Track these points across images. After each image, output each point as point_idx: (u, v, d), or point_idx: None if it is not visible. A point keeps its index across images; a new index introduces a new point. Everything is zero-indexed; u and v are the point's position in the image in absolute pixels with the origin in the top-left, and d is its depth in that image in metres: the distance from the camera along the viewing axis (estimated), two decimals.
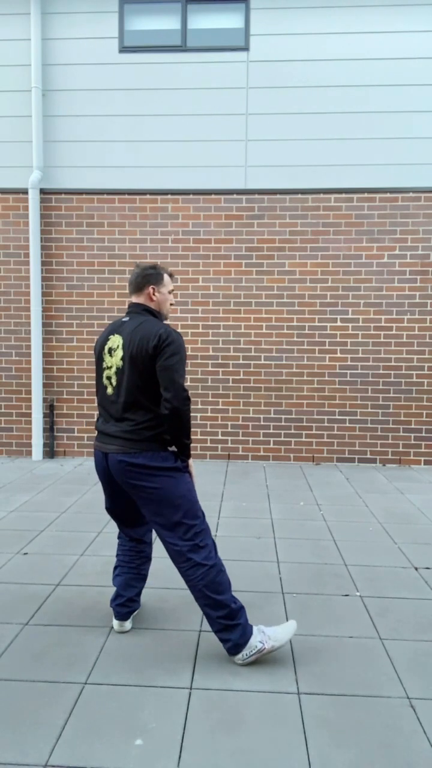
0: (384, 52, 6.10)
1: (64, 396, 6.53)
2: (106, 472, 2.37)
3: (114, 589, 2.97)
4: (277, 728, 1.94)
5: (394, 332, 6.27)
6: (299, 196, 6.26)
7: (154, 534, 3.11)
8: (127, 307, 2.46)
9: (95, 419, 6.48)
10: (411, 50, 6.09)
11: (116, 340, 2.32)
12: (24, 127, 6.32)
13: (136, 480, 2.24)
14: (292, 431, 6.40)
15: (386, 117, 6.13)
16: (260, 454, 6.44)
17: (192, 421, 6.42)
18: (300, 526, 4.14)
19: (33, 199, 6.23)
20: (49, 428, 6.50)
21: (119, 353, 2.29)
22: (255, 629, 2.33)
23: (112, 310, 6.45)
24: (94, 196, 6.38)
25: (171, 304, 2.52)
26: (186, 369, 3.09)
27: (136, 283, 2.43)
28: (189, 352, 6.37)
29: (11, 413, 6.56)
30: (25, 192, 6.37)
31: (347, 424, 6.37)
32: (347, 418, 6.36)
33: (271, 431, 6.42)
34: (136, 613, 2.66)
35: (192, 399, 6.41)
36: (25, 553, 3.52)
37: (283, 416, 6.40)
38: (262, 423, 6.43)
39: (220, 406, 6.44)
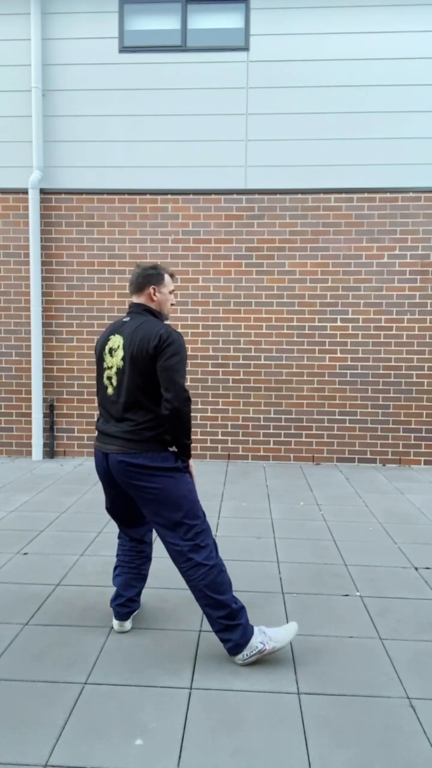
0: (384, 52, 6.10)
1: (64, 396, 6.53)
2: (106, 472, 2.37)
3: (114, 589, 2.97)
4: (277, 728, 1.94)
5: (394, 332, 6.27)
6: (299, 196, 6.26)
7: (154, 534, 3.11)
8: (127, 307, 2.46)
9: (95, 419, 6.49)
10: (411, 50, 6.09)
11: (117, 341, 2.32)
12: (24, 127, 6.32)
13: (136, 480, 2.24)
14: (292, 431, 6.40)
15: (386, 117, 6.13)
16: (260, 454, 6.44)
17: (192, 421, 6.42)
18: (300, 526, 4.14)
19: (33, 199, 6.24)
20: (49, 428, 6.50)
21: (120, 353, 2.29)
22: (256, 630, 2.33)
23: (112, 310, 6.45)
24: (94, 196, 6.38)
25: (172, 305, 2.51)
26: (186, 369, 3.10)
27: (136, 283, 2.43)
28: (189, 352, 6.37)
29: (11, 413, 6.57)
30: (25, 192, 6.37)
31: (347, 424, 6.37)
32: (347, 418, 6.36)
33: (271, 431, 6.42)
34: (136, 613, 2.66)
35: (192, 399, 6.42)
36: (25, 553, 3.52)
37: (283, 416, 6.40)
38: (262, 423, 6.43)
39: (220, 406, 6.44)
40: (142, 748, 1.84)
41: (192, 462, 2.43)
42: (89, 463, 6.24)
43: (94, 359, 6.78)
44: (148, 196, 6.34)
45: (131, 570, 2.57)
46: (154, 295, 2.42)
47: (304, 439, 6.40)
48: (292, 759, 1.80)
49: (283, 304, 6.33)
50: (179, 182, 6.28)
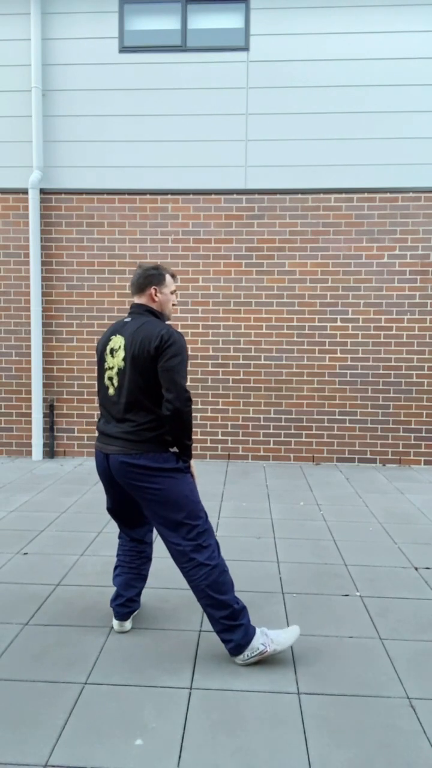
0: (384, 52, 6.11)
1: (64, 396, 6.53)
2: (107, 472, 2.37)
3: (114, 589, 2.97)
4: (277, 728, 1.94)
5: (394, 332, 6.27)
6: (299, 196, 6.26)
7: (154, 534, 3.11)
8: (128, 307, 2.46)
9: (96, 419, 6.49)
10: (411, 50, 6.09)
11: (118, 341, 2.32)
12: (24, 127, 6.32)
13: (137, 481, 2.24)
14: (292, 431, 6.40)
15: (386, 117, 6.13)
16: (260, 454, 6.44)
17: (193, 422, 6.42)
18: (300, 526, 4.14)
19: (33, 199, 6.24)
20: (49, 428, 6.50)
21: (121, 354, 2.29)
22: (258, 631, 2.33)
23: (112, 310, 6.45)
24: (94, 196, 6.38)
25: (173, 305, 2.51)
26: (187, 370, 3.09)
27: (138, 283, 2.43)
28: (189, 353, 6.36)
29: (11, 413, 6.57)
30: (25, 192, 6.37)
31: (347, 424, 6.37)
32: (347, 418, 6.36)
33: (271, 431, 6.42)
34: (136, 613, 2.66)
35: (192, 399, 6.41)
36: (25, 553, 3.52)
37: (283, 416, 6.40)
38: (262, 423, 6.43)
39: (220, 406, 6.44)
40: (142, 748, 1.84)
41: (193, 462, 2.42)
42: (89, 463, 6.24)
43: (95, 359, 6.79)
44: (148, 196, 6.35)
45: (131, 570, 2.57)
46: (156, 295, 2.42)
47: (304, 439, 6.40)
48: (292, 759, 1.80)
49: (283, 304, 6.33)
50: (179, 182, 6.28)
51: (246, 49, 6.18)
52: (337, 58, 6.13)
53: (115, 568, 2.62)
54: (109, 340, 2.37)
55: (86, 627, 2.62)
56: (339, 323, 6.31)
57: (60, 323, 6.48)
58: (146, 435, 2.24)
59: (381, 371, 6.30)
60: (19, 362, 6.53)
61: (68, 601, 2.88)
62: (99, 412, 6.46)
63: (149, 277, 2.41)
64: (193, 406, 6.44)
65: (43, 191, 6.38)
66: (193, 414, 6.45)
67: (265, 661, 2.33)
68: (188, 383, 6.39)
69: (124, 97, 6.28)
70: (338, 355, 6.33)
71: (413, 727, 1.96)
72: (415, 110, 6.12)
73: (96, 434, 6.52)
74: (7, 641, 2.48)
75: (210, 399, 6.44)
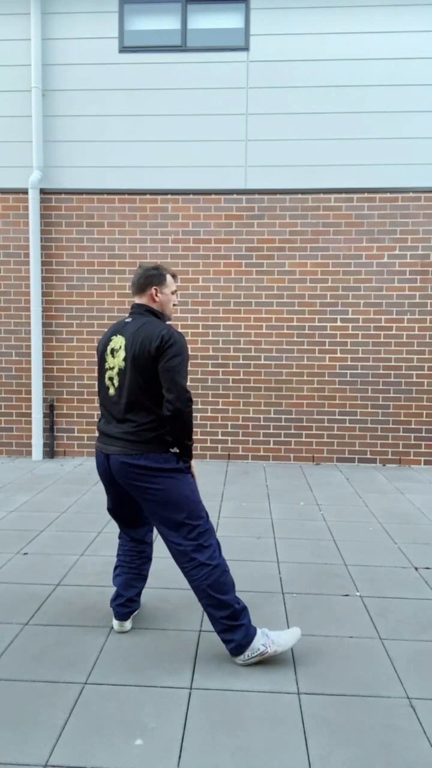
0: (384, 52, 6.11)
1: (64, 396, 6.53)
2: (107, 473, 2.36)
3: (114, 589, 2.97)
4: (277, 728, 1.94)
5: (394, 332, 6.27)
6: (299, 196, 6.26)
7: (154, 534, 3.11)
8: (128, 307, 2.46)
9: (96, 419, 6.49)
10: (411, 50, 6.09)
11: (119, 341, 2.32)
12: (24, 127, 6.32)
13: (138, 481, 2.24)
14: (292, 431, 6.40)
15: (386, 117, 6.13)
16: (260, 454, 6.44)
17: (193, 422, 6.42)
18: (300, 526, 4.14)
19: (33, 199, 6.24)
20: (49, 428, 6.50)
21: (121, 354, 2.29)
22: (259, 632, 2.33)
23: (112, 310, 6.45)
24: (94, 196, 6.38)
25: (174, 305, 2.51)
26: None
27: (138, 284, 2.42)
28: (189, 353, 6.37)
29: (11, 413, 6.57)
30: (25, 192, 6.37)
31: (347, 424, 6.37)
32: (347, 418, 6.36)
33: (271, 431, 6.42)
34: (136, 613, 2.66)
35: (193, 399, 6.41)
36: (25, 553, 3.52)
37: (283, 416, 6.40)
38: (262, 423, 6.43)
39: (220, 406, 6.44)
40: (142, 748, 1.84)
41: (194, 462, 2.42)
42: (89, 463, 6.24)
43: (95, 359, 6.79)
44: (148, 196, 6.35)
45: (131, 570, 2.57)
46: (156, 295, 2.42)
47: (304, 439, 6.40)
48: (292, 759, 1.80)
49: (283, 304, 6.33)
50: (179, 182, 6.28)
51: (246, 49, 6.18)
52: (337, 58, 6.13)
53: (115, 568, 2.62)
54: (110, 340, 2.37)
55: (86, 627, 2.62)
56: (339, 323, 6.31)
57: (60, 323, 6.48)
58: (147, 435, 2.24)
59: (381, 371, 6.30)
60: (19, 362, 6.53)
61: (68, 601, 2.88)
62: (99, 412, 6.48)
63: (150, 278, 2.41)
64: (193, 407, 6.45)
65: (43, 191, 6.38)
66: (194, 414, 6.44)
67: (265, 661, 2.33)
68: (188, 383, 6.39)
69: (124, 97, 6.28)
70: (338, 355, 6.33)
71: (413, 727, 1.96)
72: (415, 110, 6.12)
73: (96, 434, 6.52)
74: (7, 641, 2.48)
75: (210, 399, 6.44)
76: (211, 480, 5.55)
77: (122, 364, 2.28)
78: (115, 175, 6.32)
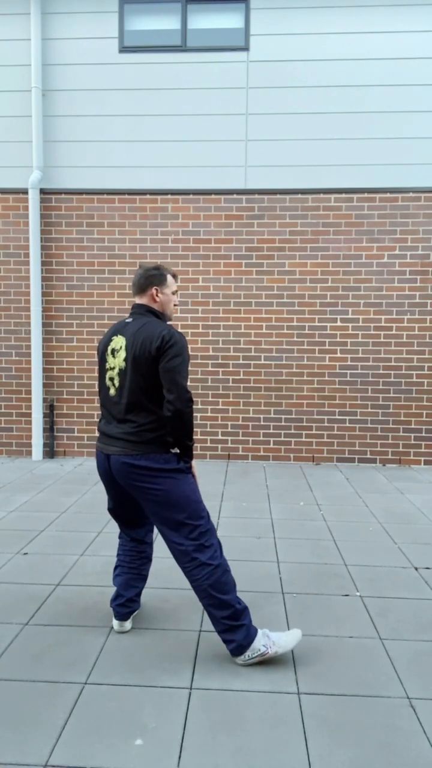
0: (384, 52, 6.11)
1: (64, 396, 6.53)
2: (108, 473, 2.36)
3: (114, 589, 2.97)
4: (277, 728, 1.94)
5: (394, 332, 6.27)
6: (299, 196, 6.26)
7: (154, 534, 3.11)
8: (129, 307, 2.46)
9: (96, 419, 6.50)
10: (411, 50, 6.09)
11: (119, 341, 2.32)
12: (24, 127, 6.32)
13: (139, 482, 2.24)
14: (292, 431, 6.41)
15: (386, 117, 6.13)
16: (260, 454, 6.44)
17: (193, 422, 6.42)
18: (300, 526, 4.14)
19: (33, 199, 6.24)
20: (49, 428, 6.50)
21: (122, 354, 2.28)
22: (260, 632, 2.33)
23: (112, 310, 6.45)
24: (94, 196, 6.38)
25: (175, 305, 2.51)
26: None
27: (139, 284, 2.42)
28: (189, 353, 6.36)
29: (11, 413, 6.57)
30: (25, 192, 6.37)
31: (347, 424, 6.37)
32: (347, 418, 6.36)
33: (271, 431, 6.42)
34: (136, 613, 2.66)
35: (193, 400, 6.41)
36: (25, 553, 3.52)
37: (283, 416, 6.40)
38: (262, 423, 6.43)
39: (220, 406, 6.44)
40: (142, 748, 1.84)
41: (194, 463, 2.42)
42: (89, 463, 6.24)
43: (95, 359, 6.78)
44: (148, 196, 6.35)
45: (131, 570, 2.57)
46: (157, 296, 2.42)
47: (304, 439, 6.40)
48: (292, 759, 1.80)
49: (283, 304, 6.33)
50: (179, 182, 6.28)
51: (246, 49, 6.18)
52: (337, 58, 6.13)
53: (116, 568, 2.62)
54: (111, 340, 2.37)
55: (86, 627, 2.62)
56: (339, 323, 6.31)
57: (60, 323, 6.49)
58: (147, 436, 2.24)
59: (381, 371, 6.30)
60: (19, 362, 6.53)
61: (68, 601, 2.88)
62: (99, 412, 6.48)
63: (150, 278, 2.41)
64: (193, 407, 6.45)
65: (43, 191, 6.38)
66: (194, 414, 6.44)
67: (265, 661, 2.33)
68: (188, 383, 6.38)
69: (124, 97, 6.28)
70: (338, 355, 6.33)
71: (413, 727, 1.96)
72: (415, 110, 6.12)
73: (96, 434, 6.52)
74: (7, 641, 2.48)
75: (210, 399, 6.44)
76: (211, 480, 5.55)
77: (123, 364, 2.28)
78: (115, 175, 6.32)
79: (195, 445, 6.42)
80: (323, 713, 2.02)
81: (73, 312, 6.47)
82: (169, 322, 3.12)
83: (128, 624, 2.58)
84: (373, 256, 6.24)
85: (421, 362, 6.28)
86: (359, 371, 6.32)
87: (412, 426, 6.32)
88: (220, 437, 6.46)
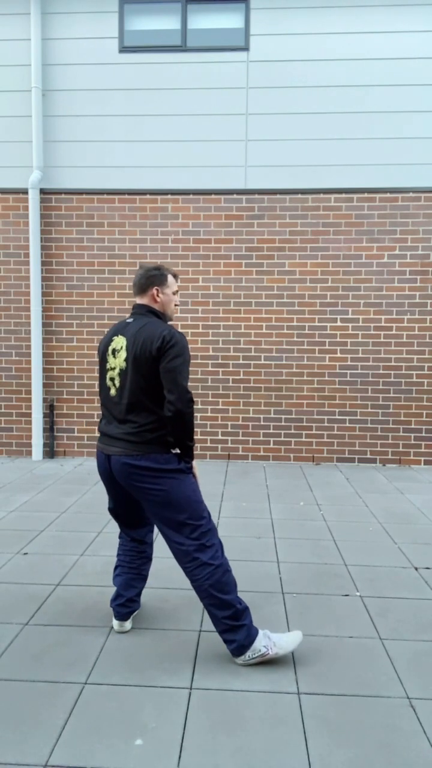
0: (384, 52, 6.11)
1: (64, 396, 6.53)
2: (108, 473, 2.36)
3: (114, 589, 2.97)
4: (277, 728, 1.94)
5: (394, 332, 6.27)
6: (299, 196, 6.26)
7: (154, 534, 3.11)
8: (129, 307, 2.46)
9: (96, 419, 6.50)
10: (411, 50, 6.09)
11: (120, 342, 2.32)
12: (24, 127, 6.32)
13: (140, 482, 2.24)
14: (292, 431, 6.40)
15: (386, 117, 6.13)
16: (260, 454, 6.44)
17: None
18: (300, 526, 4.14)
19: (33, 199, 6.24)
20: (49, 428, 6.50)
21: (123, 354, 2.28)
22: (261, 633, 2.33)
23: (112, 310, 6.45)
24: (94, 196, 6.38)
25: (176, 305, 2.51)
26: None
27: (140, 284, 2.42)
28: (190, 353, 6.36)
29: (11, 413, 6.57)
30: (25, 192, 6.37)
31: (347, 424, 6.37)
32: (347, 418, 6.36)
33: (271, 431, 6.42)
34: (136, 613, 2.66)
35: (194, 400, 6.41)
36: (25, 553, 3.52)
37: (283, 416, 6.40)
38: (262, 423, 6.43)
39: (220, 406, 6.44)
40: (142, 748, 1.84)
41: (195, 463, 2.42)
42: (89, 463, 6.24)
43: (95, 359, 6.79)
44: (148, 196, 6.35)
45: (132, 570, 2.57)
46: (158, 296, 2.42)
47: (304, 439, 6.40)
48: (292, 759, 1.80)
49: (283, 304, 6.33)
50: (179, 182, 6.28)
51: (246, 49, 6.18)
52: (337, 58, 6.13)
53: (116, 568, 2.62)
54: (111, 340, 2.37)
55: (86, 627, 2.62)
56: (339, 323, 6.31)
57: (60, 323, 6.49)
58: (148, 436, 2.24)
59: (381, 371, 6.30)
60: (19, 362, 6.53)
61: (68, 601, 2.88)
62: (99, 412, 6.48)
63: (151, 278, 2.41)
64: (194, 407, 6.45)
65: (43, 191, 6.38)
66: (194, 414, 6.44)
67: (265, 661, 2.33)
68: (189, 383, 6.38)
69: (124, 97, 6.28)
70: (338, 355, 6.33)
71: (413, 727, 1.96)
72: (415, 110, 6.12)
73: (96, 434, 6.52)
74: (7, 641, 2.48)
75: (210, 399, 6.44)
76: (211, 480, 5.55)
77: (123, 364, 2.28)
78: (115, 175, 6.32)
79: (195, 445, 6.44)
80: (323, 713, 2.02)
81: (73, 312, 6.47)
82: (169, 323, 3.12)
83: (128, 624, 2.58)
84: (373, 256, 6.24)
85: (421, 362, 6.28)
86: (359, 371, 6.32)
87: (412, 426, 6.32)
88: (220, 437, 6.46)
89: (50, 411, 6.48)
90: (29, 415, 6.53)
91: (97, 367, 6.49)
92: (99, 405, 6.48)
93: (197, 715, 2.00)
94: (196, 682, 2.20)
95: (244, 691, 2.14)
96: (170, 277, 2.44)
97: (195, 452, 6.40)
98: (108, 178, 6.32)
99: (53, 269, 6.46)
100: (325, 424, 6.38)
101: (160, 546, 3.56)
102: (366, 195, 6.21)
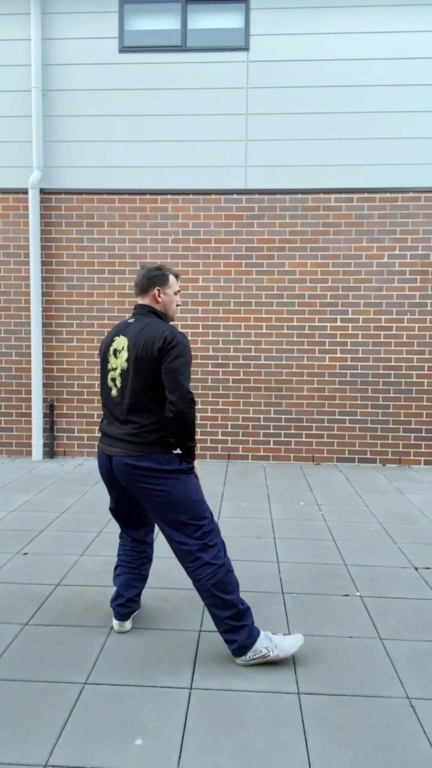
0: (384, 52, 6.11)
1: (64, 396, 6.53)
2: (109, 474, 2.36)
3: (114, 588, 2.97)
4: (277, 728, 1.94)
5: (394, 332, 6.27)
6: (299, 196, 6.26)
7: (154, 534, 3.11)
8: (129, 307, 2.46)
9: (96, 419, 6.50)
10: (411, 50, 6.09)
11: (121, 342, 2.31)
12: (24, 127, 6.32)
13: (141, 483, 2.24)
14: (292, 431, 6.40)
15: (386, 117, 6.13)
16: (260, 454, 6.44)
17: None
18: (300, 526, 4.14)
19: (33, 199, 6.24)
20: (49, 428, 6.50)
21: (124, 355, 2.28)
22: (262, 634, 2.32)
23: (112, 310, 6.45)
24: (94, 196, 6.38)
25: (177, 305, 2.51)
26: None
27: (141, 284, 2.42)
28: (191, 353, 6.36)
29: (11, 413, 6.57)
30: (25, 192, 6.37)
31: (347, 424, 6.37)
32: (347, 418, 6.36)
33: (271, 431, 6.42)
34: (136, 613, 2.66)
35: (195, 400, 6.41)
36: (25, 553, 3.52)
37: (283, 416, 6.40)
38: (262, 423, 6.43)
39: (220, 406, 6.44)
40: (142, 748, 1.84)
41: (196, 463, 2.42)
42: (89, 463, 6.24)
43: (96, 359, 6.79)
44: (148, 196, 6.35)
45: (132, 570, 2.57)
46: (159, 296, 2.41)
47: (304, 439, 6.40)
48: (292, 759, 1.80)
49: (283, 304, 6.33)
50: (179, 182, 6.28)
51: (246, 49, 6.18)
52: (337, 58, 6.13)
53: (116, 568, 2.62)
54: (113, 340, 2.37)
55: (86, 627, 2.62)
56: (339, 323, 6.31)
57: (60, 323, 6.49)
58: (149, 437, 2.24)
59: (381, 371, 6.30)
60: (19, 362, 6.53)
61: (68, 601, 2.88)
62: (99, 412, 6.48)
63: (153, 278, 2.40)
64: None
65: (43, 191, 6.38)
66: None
67: (265, 662, 2.32)
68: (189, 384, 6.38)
69: (124, 97, 6.28)
70: (338, 355, 6.33)
71: (413, 727, 1.96)
72: (415, 110, 6.12)
73: (96, 434, 6.52)
74: (7, 641, 2.48)
75: (210, 399, 6.44)
76: (211, 480, 5.55)
77: (125, 365, 2.28)
78: (115, 175, 6.32)
79: (196, 445, 6.44)
80: (323, 713, 2.02)
81: (73, 312, 6.47)
82: (170, 323, 3.12)
83: (128, 624, 2.58)
84: (373, 256, 6.24)
85: (421, 362, 6.28)
86: (359, 371, 6.32)
87: (412, 426, 6.32)
88: (220, 437, 6.46)
89: (50, 411, 6.48)
90: (29, 415, 6.53)
91: (97, 367, 6.49)
92: (99, 405, 6.47)
93: (197, 715, 2.00)
94: (196, 682, 2.20)
95: (244, 691, 2.15)
96: (171, 278, 2.44)
97: (196, 452, 6.43)
98: (108, 178, 6.33)
99: (53, 269, 6.46)
100: (325, 424, 6.38)
101: (160, 546, 3.56)
102: (366, 195, 6.21)
